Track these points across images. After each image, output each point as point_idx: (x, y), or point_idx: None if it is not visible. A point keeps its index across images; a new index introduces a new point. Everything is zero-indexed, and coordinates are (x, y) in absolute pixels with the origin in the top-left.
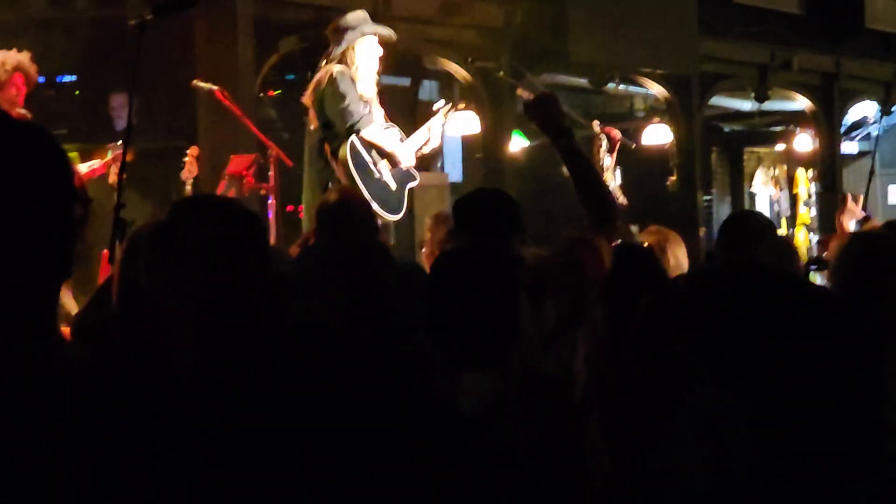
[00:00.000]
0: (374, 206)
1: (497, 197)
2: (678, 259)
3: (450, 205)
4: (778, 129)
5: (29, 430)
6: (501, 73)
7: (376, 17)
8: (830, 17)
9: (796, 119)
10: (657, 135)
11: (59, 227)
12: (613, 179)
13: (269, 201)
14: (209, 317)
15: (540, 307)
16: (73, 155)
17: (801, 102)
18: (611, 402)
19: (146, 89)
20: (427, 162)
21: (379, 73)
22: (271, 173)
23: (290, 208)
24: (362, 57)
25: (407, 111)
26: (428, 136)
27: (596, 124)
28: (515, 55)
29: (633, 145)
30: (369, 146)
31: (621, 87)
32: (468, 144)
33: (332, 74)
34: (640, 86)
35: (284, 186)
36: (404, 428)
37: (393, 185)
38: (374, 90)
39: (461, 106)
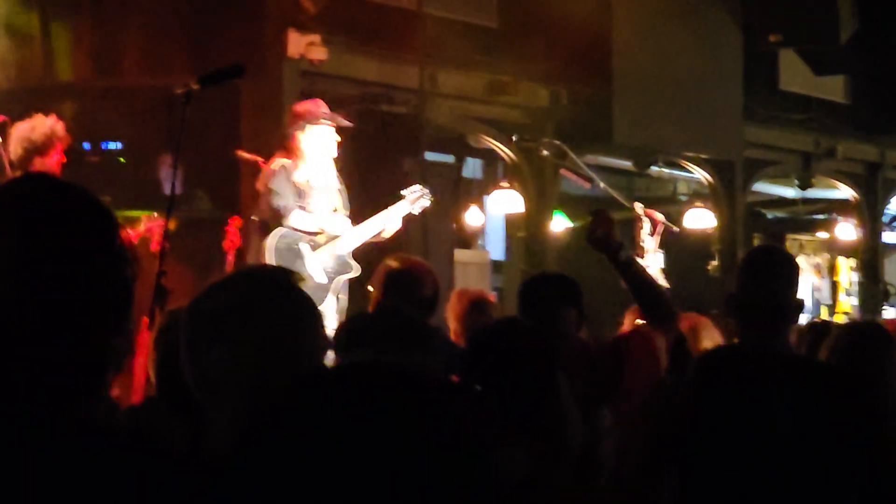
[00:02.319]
0: None
1: (559, 281)
2: (714, 344)
3: (490, 282)
4: (820, 217)
5: (60, 490)
6: (545, 152)
7: (422, 94)
8: (875, 106)
9: (839, 207)
10: (700, 219)
11: (109, 289)
12: (655, 262)
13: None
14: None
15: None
16: None
17: (844, 191)
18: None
19: (191, 158)
20: (469, 240)
21: (337, 160)
22: None
23: None
24: (311, 145)
25: (450, 188)
26: (382, 226)
27: (638, 206)
28: (560, 135)
29: (676, 229)
30: (297, 238)
31: (665, 170)
32: (510, 223)
33: (273, 170)
34: (684, 169)
35: None
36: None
37: (320, 279)
38: (326, 178)
39: (428, 200)
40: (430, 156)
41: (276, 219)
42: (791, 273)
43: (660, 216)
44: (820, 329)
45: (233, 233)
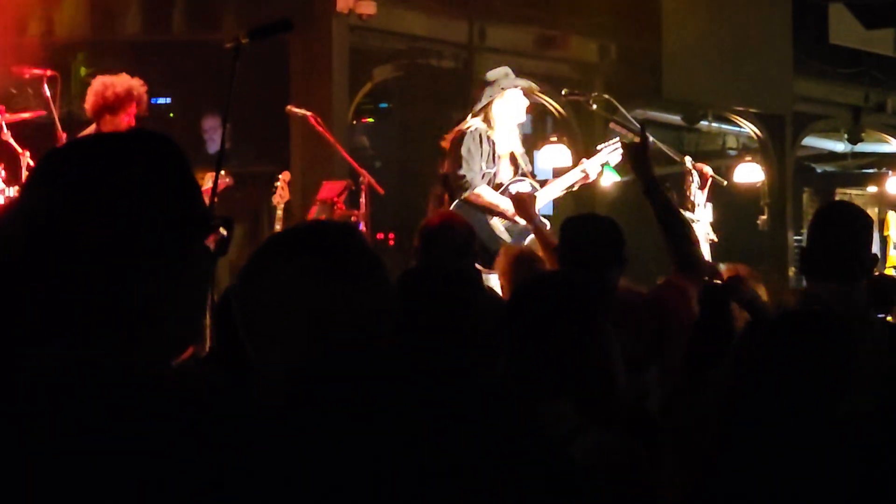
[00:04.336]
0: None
1: (602, 226)
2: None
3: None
4: (870, 171)
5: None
6: (594, 106)
7: (471, 49)
8: None
9: (889, 161)
10: (749, 173)
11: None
12: (704, 216)
13: (360, 228)
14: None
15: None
16: None
17: (894, 145)
18: (687, 440)
19: (240, 113)
20: None
21: (520, 126)
22: (362, 200)
23: (380, 236)
24: (502, 114)
25: None
26: (569, 183)
27: (687, 160)
28: (609, 90)
29: (724, 183)
30: (478, 206)
31: (714, 124)
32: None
33: (463, 131)
34: (733, 124)
35: (375, 214)
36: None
37: (507, 239)
38: (515, 145)
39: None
40: None
41: (458, 187)
42: (863, 228)
43: (709, 170)
44: (880, 285)
45: (282, 188)
